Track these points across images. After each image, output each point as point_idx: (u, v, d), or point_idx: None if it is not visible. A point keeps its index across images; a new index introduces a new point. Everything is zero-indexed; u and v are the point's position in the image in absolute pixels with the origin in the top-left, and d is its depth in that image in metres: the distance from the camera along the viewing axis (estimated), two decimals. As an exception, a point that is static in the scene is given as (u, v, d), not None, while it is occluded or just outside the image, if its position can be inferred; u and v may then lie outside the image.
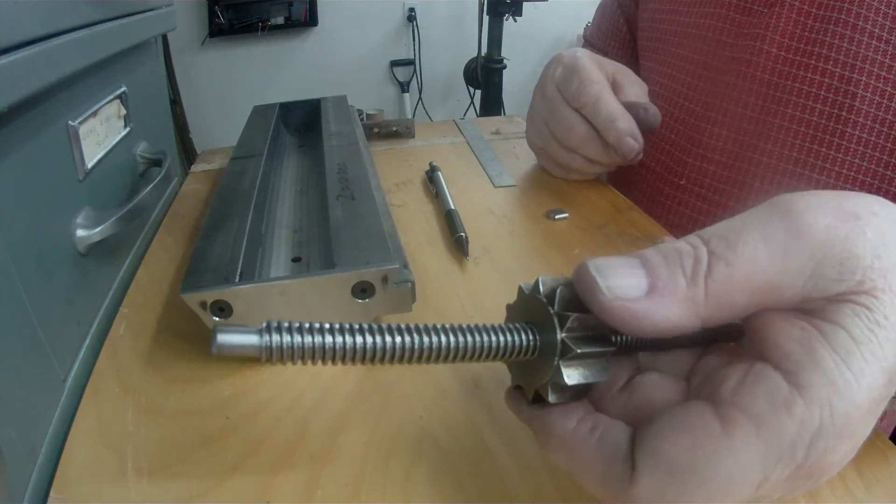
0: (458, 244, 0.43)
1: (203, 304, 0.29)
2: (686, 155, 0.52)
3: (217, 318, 0.30)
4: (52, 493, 0.25)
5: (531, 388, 0.21)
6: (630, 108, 0.47)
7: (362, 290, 0.31)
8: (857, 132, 0.42)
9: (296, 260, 0.38)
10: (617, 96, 0.49)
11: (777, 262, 0.18)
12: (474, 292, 0.38)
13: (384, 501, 0.25)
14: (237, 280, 0.30)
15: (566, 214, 0.47)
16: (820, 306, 0.18)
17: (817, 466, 0.17)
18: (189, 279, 0.30)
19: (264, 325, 0.18)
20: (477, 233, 0.45)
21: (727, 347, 0.22)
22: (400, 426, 0.28)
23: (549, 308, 0.20)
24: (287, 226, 0.42)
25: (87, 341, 0.34)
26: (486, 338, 0.20)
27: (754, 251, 0.18)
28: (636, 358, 0.23)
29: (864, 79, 0.42)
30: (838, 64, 0.42)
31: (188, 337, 0.35)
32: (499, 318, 0.23)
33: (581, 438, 0.20)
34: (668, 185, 0.54)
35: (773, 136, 0.46)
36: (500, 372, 0.23)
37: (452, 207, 0.47)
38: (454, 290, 0.39)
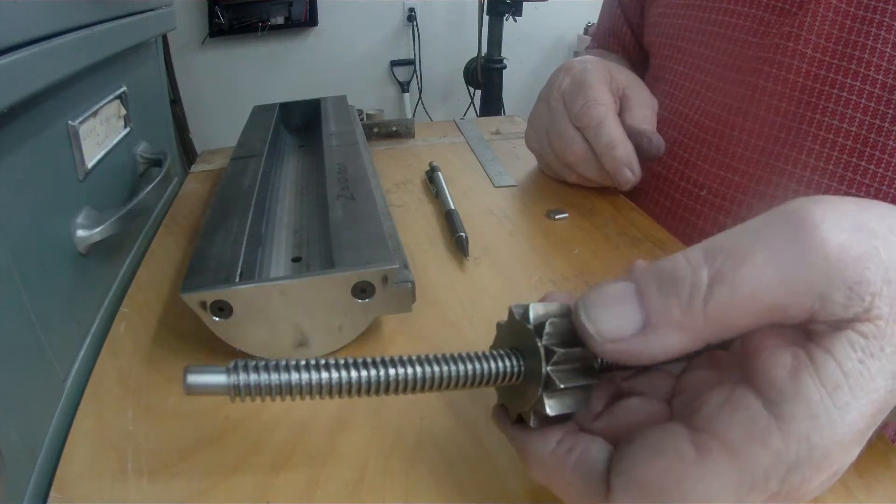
0: (458, 244, 0.43)
1: (203, 304, 0.29)
2: (707, 163, 0.48)
3: (217, 318, 0.30)
4: (52, 493, 0.25)
5: (514, 411, 0.22)
6: (633, 135, 0.46)
7: (362, 290, 0.31)
8: None
9: (296, 260, 0.38)
10: (623, 116, 0.47)
11: (785, 283, 0.17)
12: (474, 292, 0.38)
13: (384, 502, 0.25)
14: (237, 280, 0.30)
15: (566, 214, 0.47)
16: (820, 330, 0.18)
17: (794, 494, 0.17)
18: (189, 279, 0.30)
19: (231, 364, 0.18)
20: (477, 233, 0.45)
21: (712, 359, 0.22)
22: (400, 427, 0.28)
23: (537, 340, 0.20)
24: (287, 226, 0.42)
25: (87, 341, 0.34)
26: (466, 367, 0.20)
27: (762, 271, 0.17)
28: (616, 380, 0.23)
29: None
30: (880, 70, 0.39)
31: (188, 337, 0.35)
32: (498, 317, 0.24)
33: (559, 459, 0.20)
34: (685, 195, 0.49)
35: (806, 146, 0.42)
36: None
37: (452, 207, 0.47)
38: (454, 290, 0.39)
